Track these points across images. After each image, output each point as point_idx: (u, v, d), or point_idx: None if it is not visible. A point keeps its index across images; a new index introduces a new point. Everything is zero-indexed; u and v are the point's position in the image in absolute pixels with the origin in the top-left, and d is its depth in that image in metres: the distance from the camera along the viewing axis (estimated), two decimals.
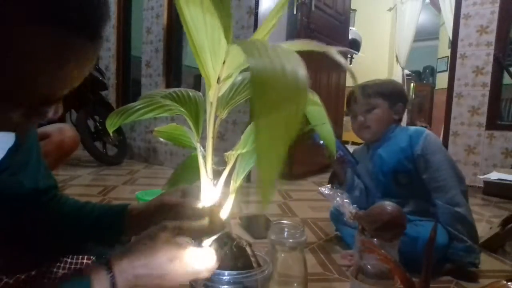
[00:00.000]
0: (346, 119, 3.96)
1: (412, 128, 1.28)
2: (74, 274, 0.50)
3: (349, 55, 4.76)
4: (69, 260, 0.72)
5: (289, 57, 0.32)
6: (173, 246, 0.50)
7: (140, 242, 0.51)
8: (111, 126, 0.54)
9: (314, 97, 0.55)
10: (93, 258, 0.74)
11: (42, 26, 0.37)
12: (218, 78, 0.48)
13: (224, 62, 0.46)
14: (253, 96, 0.27)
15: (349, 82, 3.39)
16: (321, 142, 1.26)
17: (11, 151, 0.60)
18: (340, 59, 0.38)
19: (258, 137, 0.27)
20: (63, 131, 1.32)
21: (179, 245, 0.51)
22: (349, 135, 4.21)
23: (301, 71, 0.30)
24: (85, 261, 0.74)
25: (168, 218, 0.65)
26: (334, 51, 0.38)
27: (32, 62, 0.39)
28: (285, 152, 0.28)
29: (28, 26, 0.37)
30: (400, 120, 1.33)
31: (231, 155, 0.55)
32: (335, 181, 1.35)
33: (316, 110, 0.57)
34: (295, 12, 2.59)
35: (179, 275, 0.50)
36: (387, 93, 1.29)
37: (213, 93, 0.49)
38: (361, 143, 1.45)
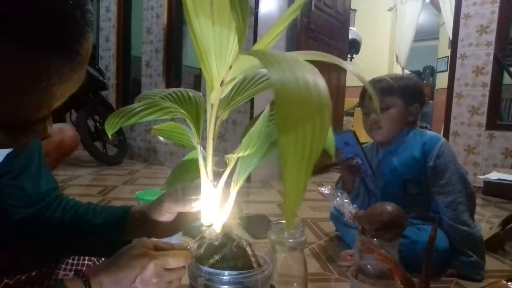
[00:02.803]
0: (346, 119, 3.96)
1: (427, 134, 1.20)
2: (51, 285, 0.52)
3: (348, 56, 4.76)
4: (70, 261, 0.72)
5: (308, 69, 0.31)
6: (144, 256, 0.53)
7: (116, 256, 0.54)
8: (110, 128, 0.53)
9: None
10: (94, 259, 0.74)
11: (10, 44, 0.34)
12: (222, 81, 0.47)
13: (230, 67, 0.45)
14: (278, 113, 0.26)
15: (349, 82, 3.39)
16: (359, 162, 1.22)
17: (11, 156, 0.60)
18: (348, 66, 0.38)
19: (284, 156, 0.27)
20: (63, 131, 1.32)
21: (149, 255, 0.53)
22: None
23: (322, 82, 0.30)
24: (86, 262, 0.74)
25: (168, 221, 0.66)
26: (341, 61, 0.38)
27: (3, 84, 0.36)
28: (312, 168, 0.28)
29: None
30: (414, 122, 1.24)
31: (232, 158, 0.55)
32: (343, 188, 1.28)
33: None
34: None
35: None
36: (405, 91, 1.20)
37: (216, 95, 0.49)
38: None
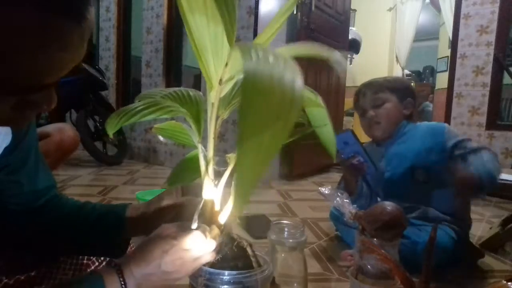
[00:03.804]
0: (346, 119, 3.96)
1: (428, 123, 1.27)
2: (86, 275, 0.52)
3: (349, 56, 4.76)
4: (69, 261, 0.72)
5: (288, 66, 0.30)
6: (170, 242, 0.53)
7: (143, 245, 0.54)
8: (111, 127, 0.53)
9: (316, 98, 0.54)
10: (93, 259, 0.74)
11: (21, 7, 0.37)
12: (220, 80, 0.47)
13: (226, 65, 0.45)
14: (243, 103, 0.25)
15: (349, 82, 3.39)
16: (361, 160, 1.22)
17: (8, 150, 0.60)
18: (342, 61, 0.38)
19: (242, 147, 0.26)
20: (63, 131, 1.32)
21: (176, 240, 0.53)
22: None
23: (298, 81, 0.29)
24: (85, 261, 0.74)
25: (168, 218, 0.66)
26: (336, 55, 0.38)
27: (13, 46, 0.38)
28: (266, 166, 0.27)
29: (5, 7, 0.36)
30: (410, 116, 1.30)
31: (233, 157, 0.55)
32: (347, 191, 1.28)
33: (318, 111, 0.56)
34: (295, 12, 2.58)
35: (183, 268, 0.53)
36: (396, 87, 1.28)
37: (215, 94, 0.49)
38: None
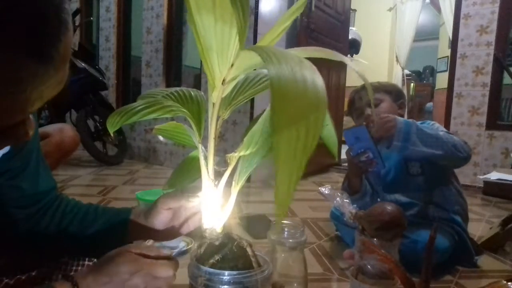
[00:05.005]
0: (347, 119, 3.96)
1: (420, 122, 1.31)
2: (41, 286, 0.52)
3: (348, 56, 4.75)
4: (70, 261, 0.72)
5: (306, 66, 0.31)
6: (133, 263, 0.53)
7: (104, 260, 0.54)
8: (112, 126, 0.53)
9: None
10: (94, 260, 0.74)
11: None
12: (224, 80, 0.47)
13: (232, 65, 0.45)
14: (273, 108, 0.26)
15: (349, 82, 3.39)
16: (371, 157, 1.20)
17: (7, 157, 0.60)
18: (348, 62, 0.38)
19: (277, 150, 0.27)
20: (63, 131, 1.32)
21: (139, 262, 0.53)
22: None
23: (320, 80, 0.30)
24: (86, 262, 0.74)
25: (166, 222, 0.66)
26: (342, 57, 0.39)
27: None
28: (305, 163, 0.28)
29: None
30: (402, 116, 1.34)
31: (233, 157, 0.55)
32: (351, 189, 1.28)
33: None
34: None
35: None
36: (389, 89, 1.36)
37: (217, 94, 0.49)
38: None
